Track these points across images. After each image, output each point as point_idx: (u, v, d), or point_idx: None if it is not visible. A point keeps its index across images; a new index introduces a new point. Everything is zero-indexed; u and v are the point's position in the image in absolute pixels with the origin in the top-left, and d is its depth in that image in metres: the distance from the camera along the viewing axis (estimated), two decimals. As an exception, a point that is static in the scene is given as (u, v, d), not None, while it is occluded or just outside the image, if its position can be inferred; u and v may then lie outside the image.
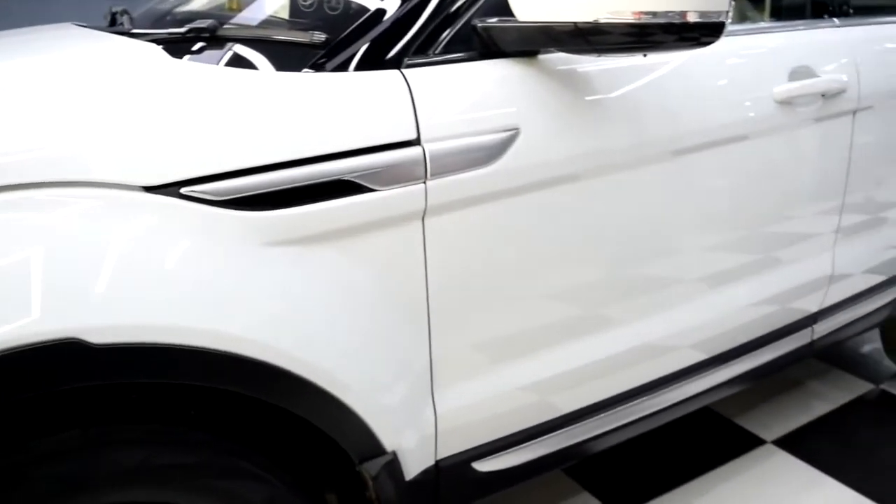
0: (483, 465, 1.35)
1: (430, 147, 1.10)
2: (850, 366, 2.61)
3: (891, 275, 2.03)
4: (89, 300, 0.88)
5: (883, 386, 2.49)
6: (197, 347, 0.94)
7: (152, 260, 0.93)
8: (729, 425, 2.26)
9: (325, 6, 1.32)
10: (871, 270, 1.96)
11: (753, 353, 1.76)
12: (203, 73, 1.09)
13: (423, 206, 1.11)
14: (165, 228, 0.95)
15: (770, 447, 2.15)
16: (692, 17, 1.08)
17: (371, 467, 1.16)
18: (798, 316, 1.82)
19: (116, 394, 1.03)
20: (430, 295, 1.17)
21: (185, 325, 0.94)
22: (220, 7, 1.63)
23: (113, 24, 1.66)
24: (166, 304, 0.93)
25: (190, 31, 1.28)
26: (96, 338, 0.88)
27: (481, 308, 1.25)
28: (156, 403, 1.06)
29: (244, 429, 1.13)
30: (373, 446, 1.15)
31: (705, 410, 2.31)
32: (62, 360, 0.87)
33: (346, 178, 1.05)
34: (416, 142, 1.10)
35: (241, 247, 0.99)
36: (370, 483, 1.17)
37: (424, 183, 1.10)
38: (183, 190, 0.96)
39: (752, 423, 2.26)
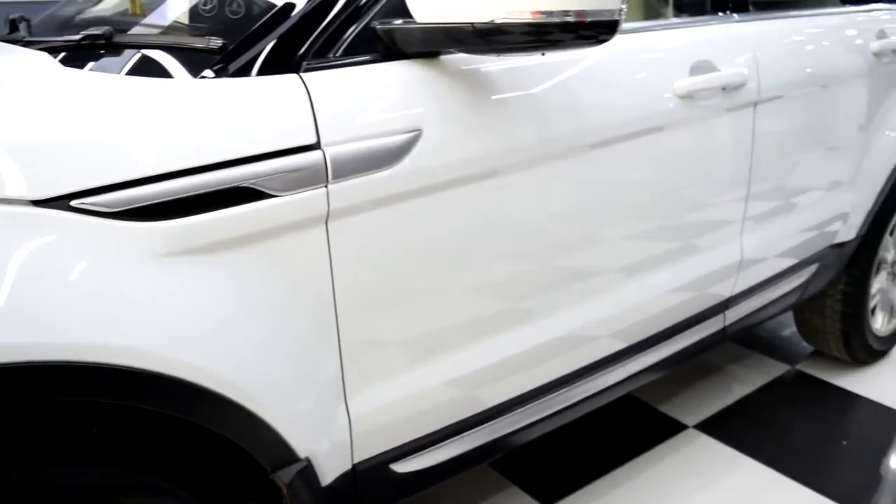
0: (402, 466, 1.35)
1: (330, 151, 1.10)
2: (767, 349, 2.71)
3: (799, 259, 2.10)
4: (-24, 320, 0.86)
5: (798, 367, 2.59)
6: (93, 364, 0.92)
7: (43, 275, 0.90)
8: (652, 412, 2.32)
9: (225, 11, 1.30)
10: (779, 256, 2.03)
11: (669, 340, 1.80)
12: (93, 81, 1.06)
13: (326, 209, 1.11)
14: (56, 242, 0.92)
15: (692, 431, 2.22)
16: (581, 17, 1.10)
17: (284, 475, 1.15)
18: (710, 303, 1.88)
19: (14, 414, 1.00)
20: (336, 299, 1.16)
21: (79, 341, 0.91)
22: (122, 13, 1.59)
23: (14, 32, 1.61)
24: (58, 321, 0.90)
25: (85, 38, 1.24)
26: (-17, 358, 0.85)
27: (391, 310, 1.25)
28: (57, 422, 1.03)
29: (153, 443, 1.11)
30: (285, 454, 1.14)
31: (629, 398, 2.36)
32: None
33: (244, 185, 1.03)
34: (315, 146, 1.09)
35: (138, 259, 0.97)
36: (284, 491, 1.16)
37: (326, 187, 1.10)
38: (73, 202, 0.93)
39: (674, 409, 2.32)
